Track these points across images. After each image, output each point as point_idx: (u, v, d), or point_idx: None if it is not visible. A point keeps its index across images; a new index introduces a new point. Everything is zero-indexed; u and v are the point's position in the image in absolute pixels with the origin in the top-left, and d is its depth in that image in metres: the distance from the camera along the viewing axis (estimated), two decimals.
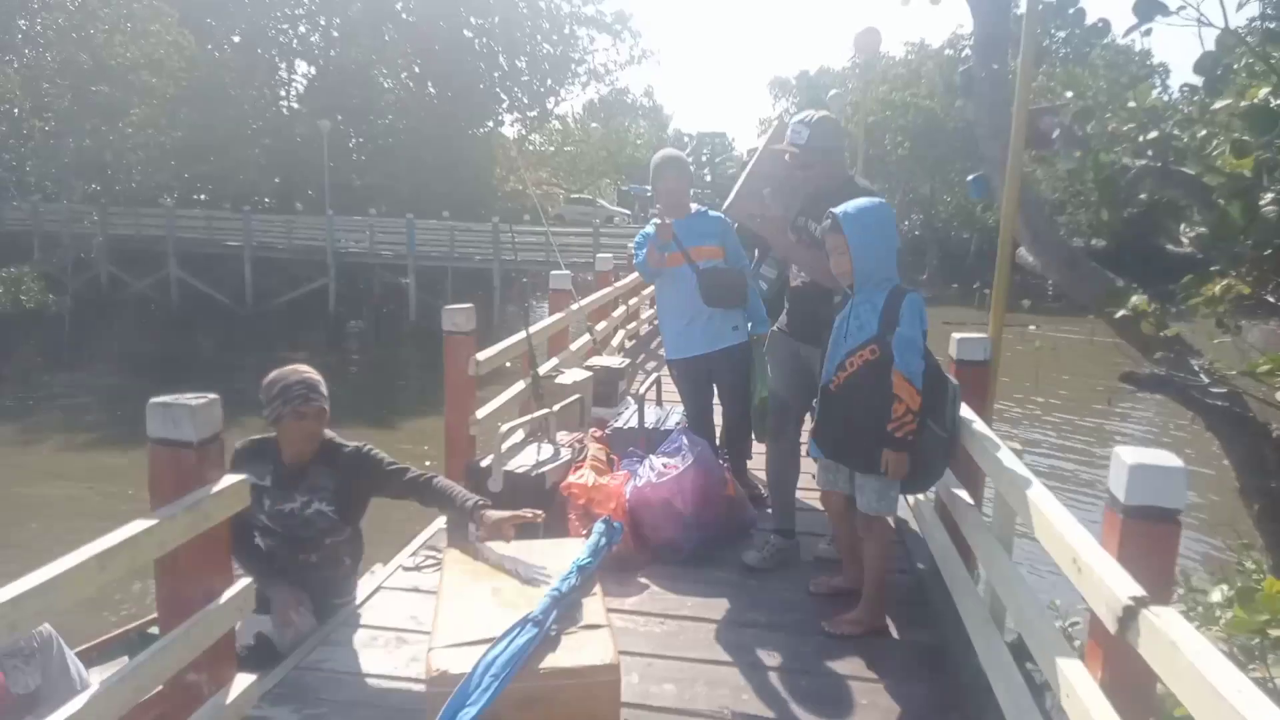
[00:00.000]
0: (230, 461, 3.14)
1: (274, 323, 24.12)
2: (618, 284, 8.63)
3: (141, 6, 26.56)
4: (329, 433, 3.21)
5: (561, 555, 2.78)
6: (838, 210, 3.01)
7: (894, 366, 2.87)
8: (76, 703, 1.82)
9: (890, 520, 3.28)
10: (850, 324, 3.03)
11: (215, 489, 2.25)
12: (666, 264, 4.28)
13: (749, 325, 4.45)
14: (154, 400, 2.20)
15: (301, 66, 33.66)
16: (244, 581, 2.46)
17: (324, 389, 3.12)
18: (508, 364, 4.98)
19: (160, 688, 2.19)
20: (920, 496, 4.03)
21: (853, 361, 3.00)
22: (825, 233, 3.07)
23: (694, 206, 4.43)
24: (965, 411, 3.29)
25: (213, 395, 2.26)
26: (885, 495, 3.09)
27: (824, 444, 3.20)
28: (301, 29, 32.80)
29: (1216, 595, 3.07)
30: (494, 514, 2.93)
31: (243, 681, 2.43)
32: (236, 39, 30.97)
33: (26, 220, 26.75)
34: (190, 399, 2.20)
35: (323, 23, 32.63)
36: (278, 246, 26.01)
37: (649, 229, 4.33)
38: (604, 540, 2.90)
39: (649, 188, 4.62)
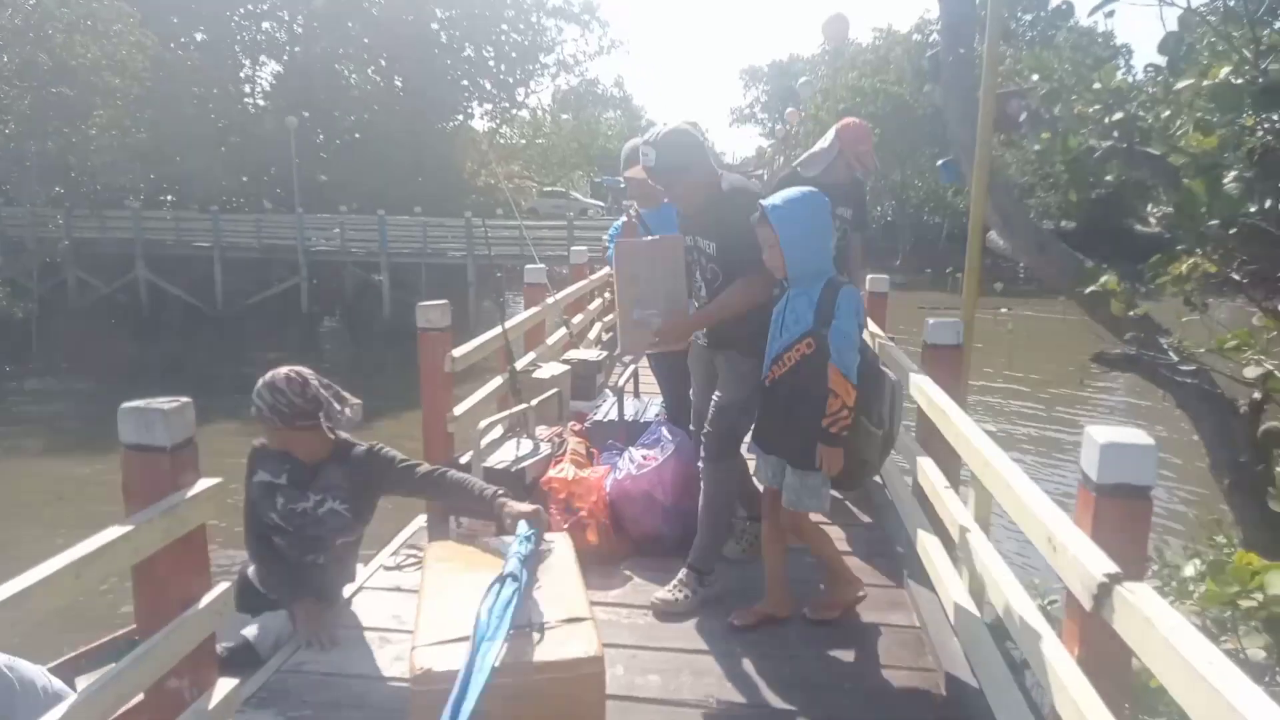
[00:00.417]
0: (248, 459, 3.16)
1: (246, 324, 23.88)
2: (593, 276, 8.61)
3: (102, 6, 26.08)
4: (342, 434, 3.20)
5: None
6: (765, 202, 2.91)
7: (830, 361, 2.82)
8: (56, 712, 1.80)
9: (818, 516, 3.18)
10: (786, 317, 2.97)
11: (190, 493, 2.23)
12: None
13: None
14: (126, 405, 2.17)
15: (267, 64, 33.31)
16: (222, 585, 2.44)
17: (271, 396, 2.98)
18: (493, 367, 4.96)
19: (141, 695, 2.17)
20: (907, 480, 4.07)
21: (789, 356, 2.95)
22: (756, 225, 2.95)
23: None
24: (939, 394, 3.32)
25: (185, 399, 2.24)
26: (815, 492, 3.01)
27: (760, 438, 3.16)
28: (266, 25, 32.44)
29: (1189, 570, 3.12)
30: (515, 506, 2.92)
31: (225, 686, 2.41)
32: (200, 37, 30.56)
33: None
34: (163, 403, 2.18)
35: (286, 18, 32.25)
36: (247, 246, 25.72)
37: (621, 221, 4.29)
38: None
39: (622, 179, 4.56)
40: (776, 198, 2.92)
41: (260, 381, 3.03)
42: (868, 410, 2.86)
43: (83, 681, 2.99)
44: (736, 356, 3.27)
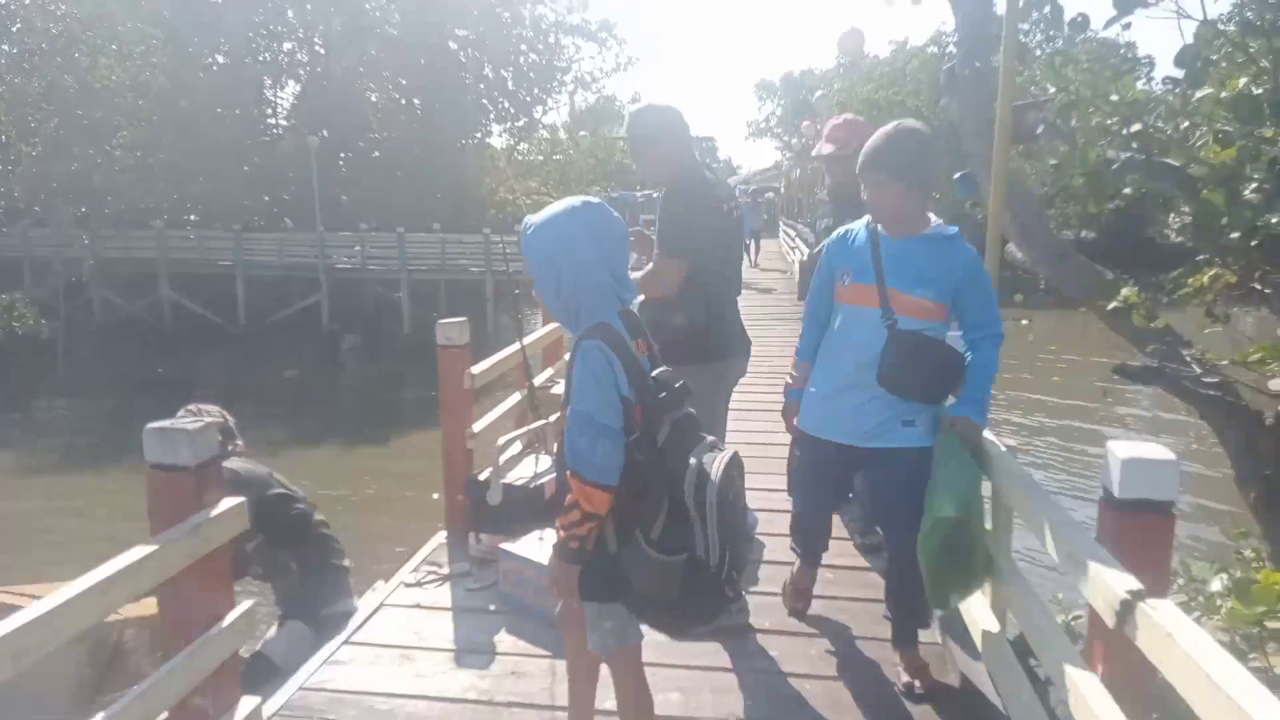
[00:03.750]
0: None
1: (268, 341, 24.08)
2: None
3: (126, 29, 26.55)
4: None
5: None
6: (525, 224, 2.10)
7: None
8: None
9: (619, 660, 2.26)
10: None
11: (214, 513, 2.25)
12: (846, 296, 2.79)
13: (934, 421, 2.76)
14: (150, 425, 2.20)
15: (287, 84, 33.72)
16: (245, 604, 2.46)
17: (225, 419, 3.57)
18: (512, 383, 4.97)
19: (166, 714, 2.19)
20: None
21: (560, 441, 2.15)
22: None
23: (933, 219, 2.75)
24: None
25: (210, 419, 2.27)
26: (593, 623, 2.19)
27: None
28: (286, 46, 32.84)
29: (1216, 585, 3.09)
30: None
31: (248, 704, 2.43)
32: (222, 59, 30.98)
33: (16, 246, 26.67)
34: (187, 423, 2.20)
35: (305, 36, 32.64)
36: (269, 264, 25.97)
37: (858, 226, 2.84)
38: None
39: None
40: (534, 218, 2.10)
41: (190, 410, 3.36)
42: (644, 523, 1.96)
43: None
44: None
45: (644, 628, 2.17)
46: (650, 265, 3.16)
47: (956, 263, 2.66)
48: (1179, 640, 1.48)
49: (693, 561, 1.92)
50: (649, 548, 1.94)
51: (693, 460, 1.94)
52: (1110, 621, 1.73)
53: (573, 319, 2.06)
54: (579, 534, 1.98)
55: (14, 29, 28.29)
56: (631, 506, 1.97)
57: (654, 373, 2.03)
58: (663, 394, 1.99)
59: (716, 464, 1.94)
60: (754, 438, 5.72)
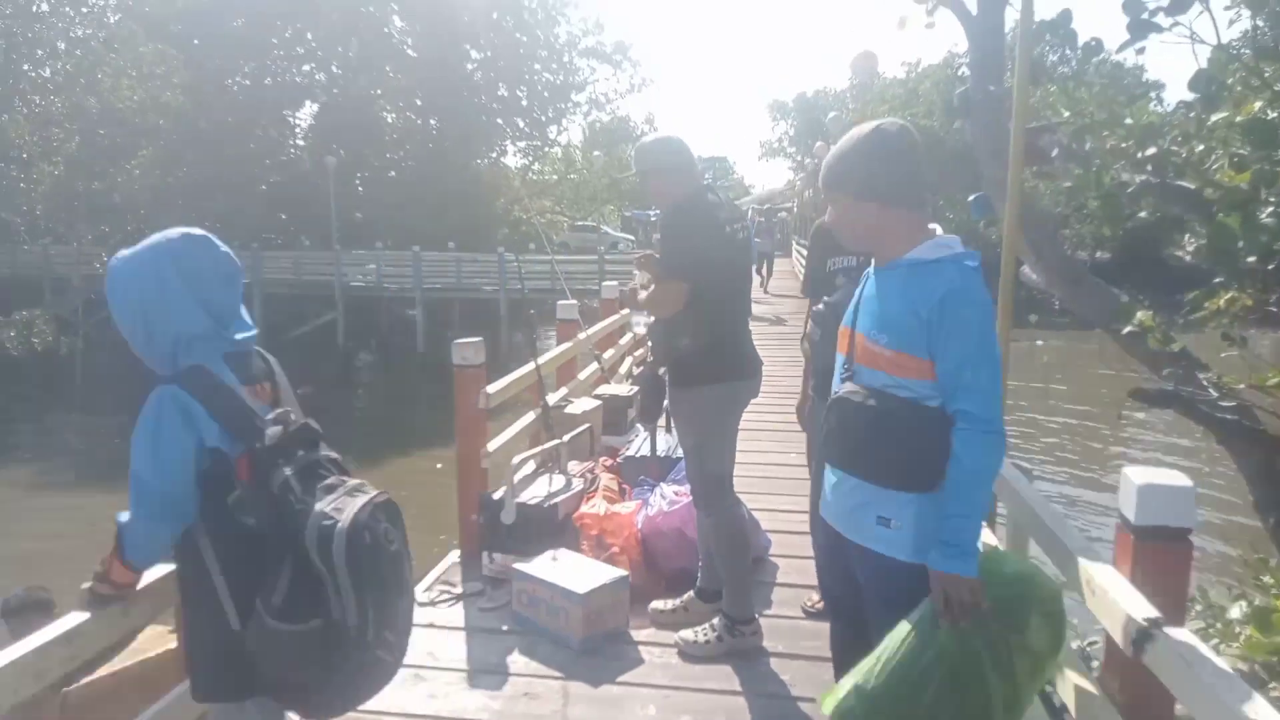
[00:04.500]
0: None
1: (283, 358, 23.19)
2: (624, 310, 8.66)
3: (148, 49, 26.98)
4: None
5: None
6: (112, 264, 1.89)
7: None
8: None
9: None
10: None
11: None
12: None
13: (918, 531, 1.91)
14: None
15: (305, 105, 34.08)
16: None
17: None
18: (527, 401, 4.99)
19: None
20: None
21: None
22: None
23: (936, 229, 2.04)
24: None
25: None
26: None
27: None
28: (305, 68, 33.23)
29: (1235, 612, 3.06)
30: None
31: None
32: (243, 80, 31.40)
33: (37, 264, 27.03)
34: None
35: (322, 55, 33.04)
36: (286, 282, 26.19)
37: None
38: None
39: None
40: (121, 254, 1.88)
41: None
42: (264, 591, 1.69)
43: None
44: (674, 393, 3.27)
45: None
46: (653, 287, 3.20)
47: (926, 296, 1.83)
48: (1197, 668, 1.48)
49: (330, 626, 1.64)
50: (271, 618, 1.64)
51: (316, 508, 1.65)
52: (1127, 649, 1.73)
53: (172, 366, 1.78)
54: (100, 590, 1.85)
55: (38, 53, 28.81)
56: (247, 575, 1.70)
57: (271, 414, 1.75)
58: (278, 439, 1.71)
59: (348, 510, 1.65)
60: (765, 458, 5.72)
